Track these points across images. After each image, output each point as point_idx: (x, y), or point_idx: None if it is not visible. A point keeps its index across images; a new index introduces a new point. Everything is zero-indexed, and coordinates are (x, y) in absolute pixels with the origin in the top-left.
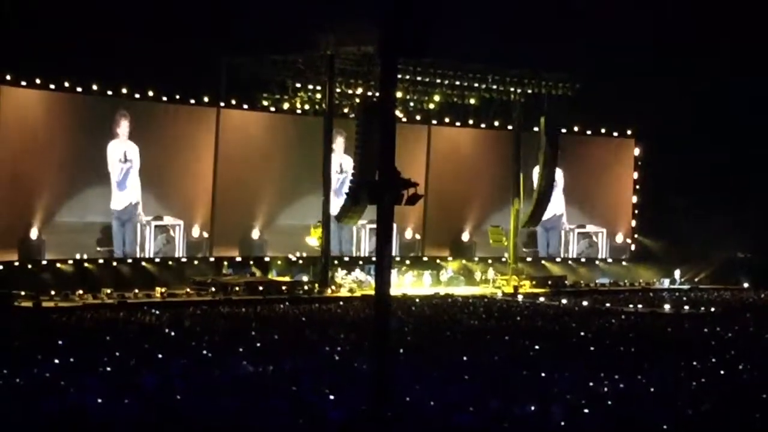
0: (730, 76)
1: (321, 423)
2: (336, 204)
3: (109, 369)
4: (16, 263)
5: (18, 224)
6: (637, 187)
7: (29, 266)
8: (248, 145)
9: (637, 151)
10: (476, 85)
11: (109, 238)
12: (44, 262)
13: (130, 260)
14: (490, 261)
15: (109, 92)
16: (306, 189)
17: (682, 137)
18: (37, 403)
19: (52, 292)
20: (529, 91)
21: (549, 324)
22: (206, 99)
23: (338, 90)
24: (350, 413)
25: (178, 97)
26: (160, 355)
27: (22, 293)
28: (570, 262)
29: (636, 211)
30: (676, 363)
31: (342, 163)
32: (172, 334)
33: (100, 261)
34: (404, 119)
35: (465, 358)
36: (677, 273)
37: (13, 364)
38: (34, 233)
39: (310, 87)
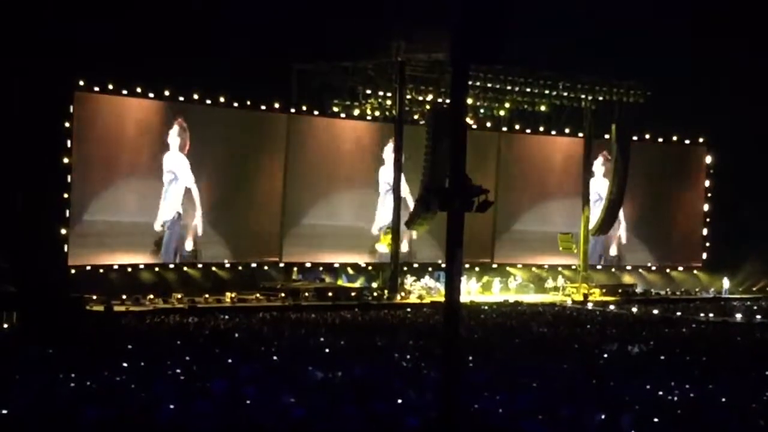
0: None
1: (395, 430)
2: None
3: (179, 372)
4: (88, 267)
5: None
6: (709, 195)
7: (100, 270)
8: (317, 151)
9: (709, 159)
10: (547, 92)
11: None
12: (115, 266)
13: (200, 265)
14: (560, 268)
15: (181, 98)
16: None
17: (755, 144)
18: (109, 406)
19: (123, 297)
20: (600, 98)
21: (619, 332)
22: (277, 105)
23: (408, 96)
24: (422, 420)
25: (248, 103)
26: (229, 360)
27: (94, 297)
28: (640, 270)
29: (707, 220)
30: (747, 373)
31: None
32: (242, 339)
33: (171, 266)
34: (474, 126)
35: (534, 366)
36: (725, 282)
37: (86, 367)
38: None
39: (381, 93)
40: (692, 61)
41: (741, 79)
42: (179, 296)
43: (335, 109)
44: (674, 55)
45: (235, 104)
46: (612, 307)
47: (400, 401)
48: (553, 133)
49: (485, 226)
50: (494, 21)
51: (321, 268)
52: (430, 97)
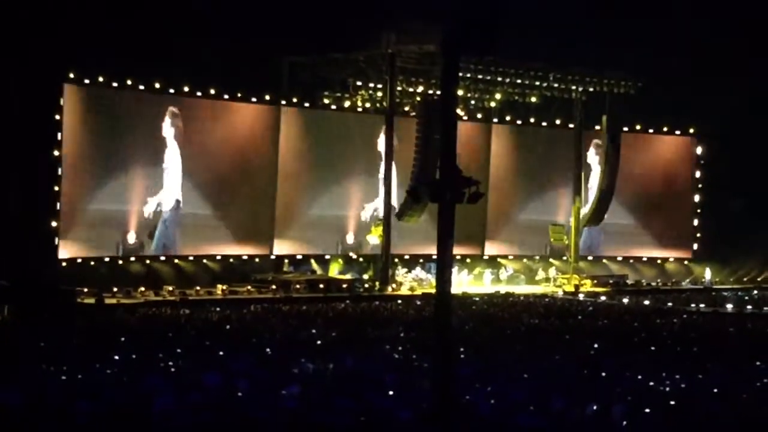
0: None
1: (386, 422)
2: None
3: (170, 365)
4: (79, 260)
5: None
6: (700, 186)
7: (92, 263)
8: (308, 143)
9: (699, 150)
10: (537, 83)
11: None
12: (106, 259)
13: (191, 257)
14: (551, 260)
15: (171, 90)
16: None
17: (745, 135)
18: (101, 399)
19: (114, 289)
20: (591, 90)
21: (610, 323)
22: (268, 97)
23: (399, 88)
24: (413, 412)
25: (239, 95)
26: (221, 353)
27: (85, 290)
28: (631, 261)
29: (698, 211)
30: (738, 363)
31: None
32: (234, 331)
33: (162, 258)
34: (465, 117)
35: (526, 358)
36: (707, 273)
37: (77, 360)
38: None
39: (371, 85)
40: (684, 54)
41: (731, 72)
42: (170, 288)
43: (326, 101)
44: (667, 48)
45: (226, 96)
46: (603, 298)
47: (392, 393)
48: (544, 124)
49: (476, 217)
50: (487, 12)
51: (312, 260)
52: (420, 89)
